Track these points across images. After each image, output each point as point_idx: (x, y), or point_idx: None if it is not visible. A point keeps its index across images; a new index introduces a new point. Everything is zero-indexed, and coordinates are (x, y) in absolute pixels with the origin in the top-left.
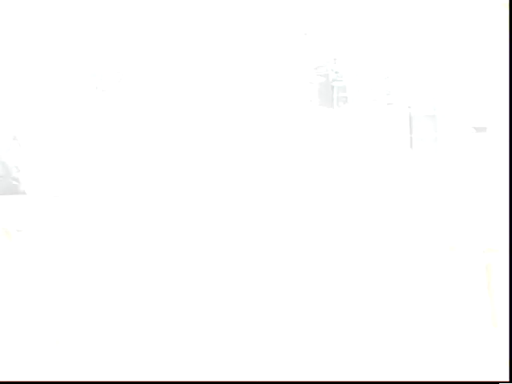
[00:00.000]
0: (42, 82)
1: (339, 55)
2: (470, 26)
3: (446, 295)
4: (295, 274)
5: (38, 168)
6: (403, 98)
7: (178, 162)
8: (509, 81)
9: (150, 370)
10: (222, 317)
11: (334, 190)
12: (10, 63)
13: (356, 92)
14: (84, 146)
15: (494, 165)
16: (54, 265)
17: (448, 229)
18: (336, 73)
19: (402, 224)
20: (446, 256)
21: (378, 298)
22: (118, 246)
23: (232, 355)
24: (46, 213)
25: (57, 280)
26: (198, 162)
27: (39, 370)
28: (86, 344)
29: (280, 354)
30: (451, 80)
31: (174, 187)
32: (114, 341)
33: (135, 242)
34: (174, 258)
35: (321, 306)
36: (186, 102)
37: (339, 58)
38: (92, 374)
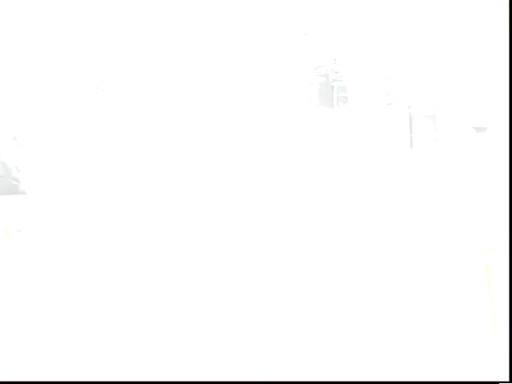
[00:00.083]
0: (42, 82)
1: (339, 55)
2: (470, 26)
3: (445, 295)
4: (294, 274)
5: (37, 168)
6: (403, 98)
7: (178, 162)
8: (509, 81)
9: (150, 370)
10: (222, 317)
11: (333, 190)
12: (10, 63)
13: (356, 92)
14: (84, 146)
15: (493, 165)
16: (53, 265)
17: (448, 229)
18: (336, 73)
19: (402, 224)
20: (446, 256)
21: (378, 298)
22: (117, 245)
23: (232, 355)
24: (46, 213)
25: (57, 280)
26: (198, 161)
27: (39, 369)
28: (86, 344)
29: (280, 354)
30: (451, 80)
31: (174, 187)
32: (114, 340)
33: (135, 242)
34: (173, 258)
35: (321, 305)
36: (186, 102)
37: (339, 58)
38: (92, 373)
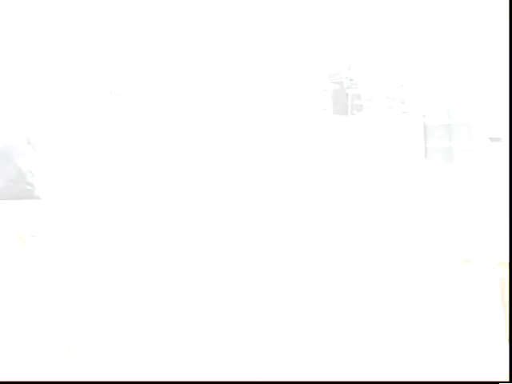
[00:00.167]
0: (57, 87)
1: (354, 63)
2: (488, 38)
3: (459, 308)
4: (306, 284)
5: (52, 173)
6: (418, 106)
7: (192, 166)
8: None
9: (150, 370)
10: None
11: (347, 198)
12: (25, 69)
13: (370, 100)
14: (98, 151)
15: (508, 175)
16: (67, 270)
17: (462, 241)
18: (350, 80)
19: (415, 236)
20: (459, 269)
21: (391, 309)
22: (131, 251)
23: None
24: (61, 218)
25: (70, 285)
26: (212, 166)
27: (47, 371)
28: (96, 348)
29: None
30: (466, 89)
31: (189, 191)
32: (120, 341)
33: (148, 247)
34: (178, 262)
35: (330, 317)
36: (200, 108)
37: (354, 66)
38: (92, 373)
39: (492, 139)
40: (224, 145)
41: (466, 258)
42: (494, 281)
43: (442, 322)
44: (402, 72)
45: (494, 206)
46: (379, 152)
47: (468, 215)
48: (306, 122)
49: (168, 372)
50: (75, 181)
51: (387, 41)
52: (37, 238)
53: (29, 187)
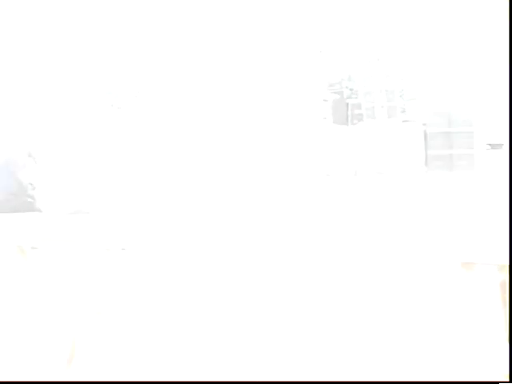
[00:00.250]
0: (58, 99)
1: (354, 73)
2: (488, 44)
3: (459, 311)
4: (305, 289)
5: (53, 185)
6: (418, 115)
7: (194, 178)
8: None
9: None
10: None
11: (348, 204)
12: (26, 81)
13: (371, 109)
14: (99, 163)
15: (508, 180)
16: (68, 282)
17: (462, 246)
18: (350, 90)
19: (416, 241)
20: (459, 273)
21: (390, 314)
22: (133, 263)
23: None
24: (61, 230)
25: (71, 297)
26: (213, 178)
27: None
28: (97, 359)
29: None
30: (467, 97)
31: (193, 203)
32: (124, 355)
33: (152, 258)
34: (180, 273)
35: (330, 321)
36: (201, 120)
37: (354, 76)
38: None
39: (492, 146)
40: (225, 155)
41: (465, 263)
42: (495, 285)
43: (442, 324)
44: (402, 81)
45: (495, 211)
46: (380, 160)
47: (468, 220)
48: (305, 131)
49: (168, 372)
50: (77, 193)
51: (387, 51)
52: (37, 250)
53: (29, 200)
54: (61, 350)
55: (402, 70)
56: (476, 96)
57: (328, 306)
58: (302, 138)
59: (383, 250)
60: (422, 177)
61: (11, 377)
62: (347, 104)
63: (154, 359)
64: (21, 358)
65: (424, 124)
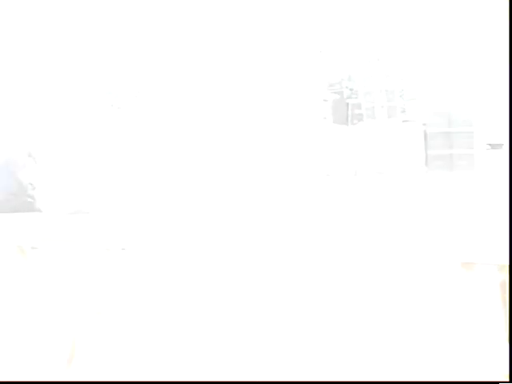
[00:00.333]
0: (58, 99)
1: (354, 73)
2: (487, 45)
3: (459, 311)
4: (305, 288)
5: (53, 185)
6: (418, 115)
7: (194, 177)
8: None
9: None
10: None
11: (348, 206)
12: (25, 81)
13: (371, 109)
14: (99, 163)
15: (508, 180)
16: (68, 282)
17: (462, 246)
18: (350, 90)
19: (416, 241)
20: (460, 273)
21: (390, 314)
22: (133, 263)
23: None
24: (61, 230)
25: (71, 296)
26: (212, 177)
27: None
28: (96, 360)
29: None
30: (466, 97)
31: (192, 202)
32: (124, 355)
33: (152, 258)
34: (180, 265)
35: (330, 321)
36: (200, 120)
37: (354, 76)
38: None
39: (492, 146)
40: (224, 154)
41: (465, 262)
42: (495, 285)
43: (441, 324)
44: (402, 81)
45: (495, 210)
46: (380, 159)
47: (468, 220)
48: (305, 131)
49: (168, 372)
50: (77, 193)
51: (387, 50)
52: (37, 250)
53: (29, 200)
54: (61, 350)
55: (402, 70)
56: (476, 96)
57: (327, 306)
58: (302, 137)
59: (383, 250)
60: (422, 177)
61: (11, 377)
62: (347, 104)
63: (154, 359)
64: (21, 358)
65: (424, 124)
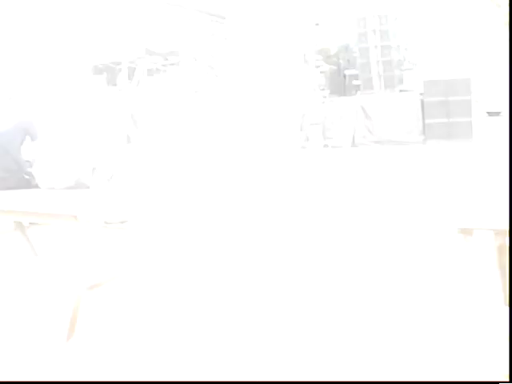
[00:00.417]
0: (56, 76)
1: (351, 44)
2: (484, 12)
3: (457, 277)
4: (303, 269)
5: (50, 162)
6: (416, 85)
7: (194, 165)
8: None
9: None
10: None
11: (348, 175)
12: (23, 61)
13: (368, 80)
14: (97, 139)
15: (505, 149)
16: (66, 257)
17: (459, 211)
18: (348, 61)
19: (414, 208)
20: (457, 238)
21: (388, 282)
22: (133, 236)
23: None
24: (60, 205)
25: (69, 273)
26: (204, 165)
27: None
28: (92, 346)
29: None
30: (463, 66)
31: (193, 193)
32: (124, 339)
33: (152, 231)
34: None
35: (327, 293)
36: (198, 104)
37: (350, 47)
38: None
39: (490, 113)
40: (224, 133)
41: (463, 228)
42: (493, 250)
43: (439, 291)
44: (399, 51)
45: (492, 177)
46: (377, 129)
47: (466, 187)
48: (304, 101)
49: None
50: (74, 170)
51: (384, 21)
52: (36, 225)
53: (27, 177)
54: (60, 325)
55: (399, 41)
56: (473, 65)
57: (323, 275)
58: (300, 108)
59: (382, 217)
60: (421, 145)
61: (9, 355)
62: (344, 75)
63: (154, 334)
64: (21, 333)
65: (421, 93)
